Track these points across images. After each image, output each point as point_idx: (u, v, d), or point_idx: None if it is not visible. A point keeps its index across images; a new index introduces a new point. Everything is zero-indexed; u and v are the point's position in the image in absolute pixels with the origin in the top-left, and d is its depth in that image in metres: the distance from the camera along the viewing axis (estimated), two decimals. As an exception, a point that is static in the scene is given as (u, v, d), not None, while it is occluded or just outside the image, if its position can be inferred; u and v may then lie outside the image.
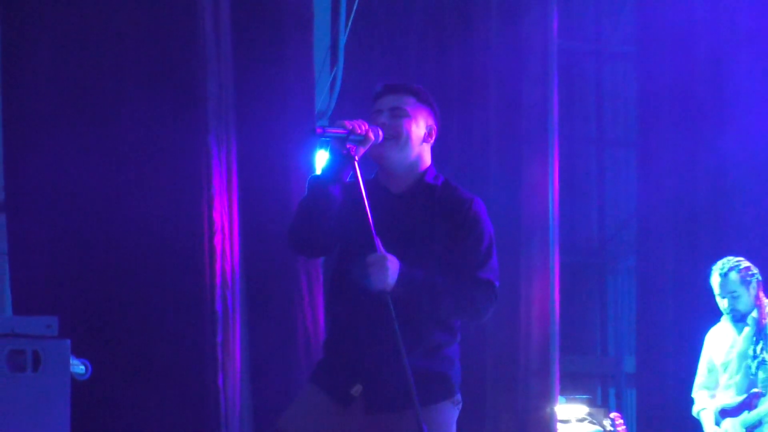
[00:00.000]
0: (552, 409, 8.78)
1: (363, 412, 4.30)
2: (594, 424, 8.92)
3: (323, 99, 8.75)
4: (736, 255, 7.15)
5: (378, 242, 4.16)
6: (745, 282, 6.99)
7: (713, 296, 7.12)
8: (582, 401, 9.45)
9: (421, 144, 4.43)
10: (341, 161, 4.25)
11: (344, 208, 4.30)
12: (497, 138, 8.97)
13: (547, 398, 8.78)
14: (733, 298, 7.01)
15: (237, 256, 6.73)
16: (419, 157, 4.43)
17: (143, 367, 6.38)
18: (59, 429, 3.53)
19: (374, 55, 9.23)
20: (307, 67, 7.46)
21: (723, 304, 7.06)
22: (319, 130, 4.23)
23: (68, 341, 3.56)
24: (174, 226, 6.48)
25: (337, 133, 4.23)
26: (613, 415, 8.03)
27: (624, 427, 7.84)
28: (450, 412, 4.40)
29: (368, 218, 4.15)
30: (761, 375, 6.90)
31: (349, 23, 8.86)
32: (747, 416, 6.91)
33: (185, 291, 6.46)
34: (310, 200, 4.31)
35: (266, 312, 7.07)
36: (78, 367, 4.93)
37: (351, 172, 4.26)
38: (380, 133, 4.31)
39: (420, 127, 4.42)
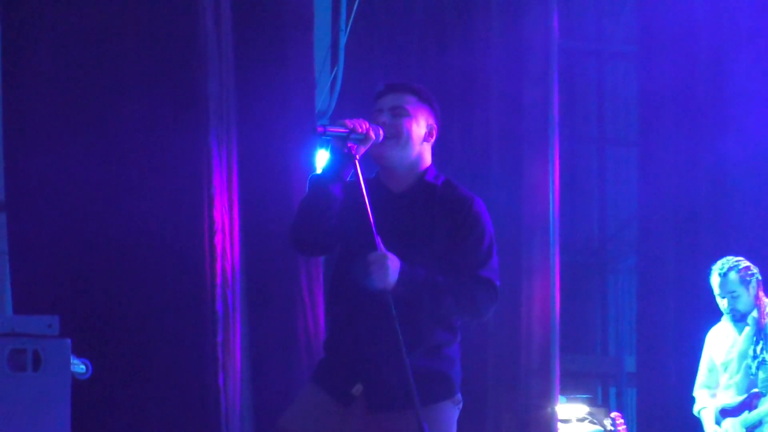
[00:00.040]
0: (553, 409, 8.78)
1: (364, 412, 4.30)
2: (594, 423, 8.92)
3: (324, 99, 8.75)
4: (737, 254, 7.15)
5: (379, 241, 4.16)
6: (744, 282, 6.99)
7: (713, 296, 7.12)
8: (582, 401, 9.45)
9: (422, 143, 4.43)
10: (342, 160, 4.26)
11: (345, 207, 4.30)
12: (498, 138, 8.98)
13: (548, 398, 8.78)
14: (733, 298, 7.01)
15: (237, 256, 6.73)
16: (420, 157, 4.43)
17: (144, 367, 6.38)
18: (60, 428, 3.53)
19: (375, 55, 9.23)
20: (307, 67, 7.46)
21: (723, 303, 7.06)
22: (320, 129, 4.24)
23: (69, 340, 3.56)
24: (174, 226, 6.48)
25: (338, 132, 4.23)
26: (613, 414, 8.03)
27: (624, 426, 7.84)
28: (450, 412, 4.40)
29: (369, 217, 4.16)
30: (761, 375, 6.91)
31: (350, 23, 8.86)
32: (747, 416, 6.91)
33: (186, 290, 6.46)
34: (311, 199, 4.31)
35: (267, 311, 7.07)
36: (79, 366, 4.94)
37: (352, 171, 4.27)
38: (381, 132, 4.31)
39: (421, 126, 4.42)
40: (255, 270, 7.03)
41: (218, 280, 6.51)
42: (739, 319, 7.03)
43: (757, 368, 6.92)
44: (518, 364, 8.82)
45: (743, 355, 7.00)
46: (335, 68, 8.83)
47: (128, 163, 6.46)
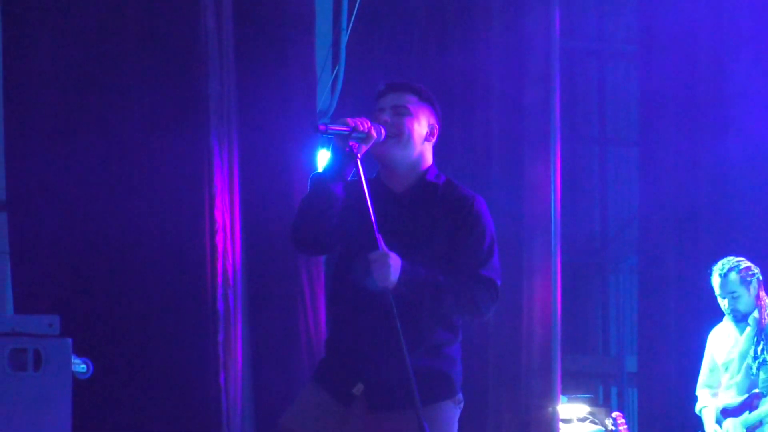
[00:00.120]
0: (554, 409, 8.78)
1: (364, 411, 4.30)
2: (596, 423, 8.92)
3: (325, 98, 8.75)
4: (738, 254, 7.15)
5: (380, 239, 4.16)
6: (745, 282, 6.99)
7: (714, 296, 7.12)
8: (584, 400, 9.45)
9: (423, 143, 4.43)
10: (343, 159, 4.25)
11: (346, 206, 4.30)
12: (498, 137, 8.97)
13: (549, 397, 8.77)
14: (734, 298, 7.01)
15: (238, 255, 6.73)
16: (421, 156, 4.43)
17: (145, 366, 6.38)
18: (61, 428, 3.53)
19: (376, 55, 9.22)
20: (308, 66, 7.46)
21: (723, 304, 7.06)
22: (321, 127, 4.23)
23: (70, 340, 3.56)
24: (175, 225, 6.49)
25: (340, 130, 4.23)
26: (614, 414, 8.03)
27: (625, 426, 7.83)
28: (451, 412, 4.40)
29: (370, 216, 4.15)
30: (762, 375, 6.91)
31: (351, 22, 8.86)
32: (748, 416, 6.91)
33: (186, 290, 6.46)
34: (313, 198, 4.31)
35: (268, 311, 7.07)
36: (79, 366, 4.93)
37: (353, 170, 4.27)
38: (382, 131, 4.31)
39: (422, 125, 4.42)
40: (256, 269, 7.03)
41: (219, 279, 6.51)
42: (740, 319, 7.03)
43: (758, 368, 6.92)
44: (519, 364, 8.80)
45: (744, 356, 7.00)
46: (336, 68, 8.83)
47: (129, 163, 6.46)
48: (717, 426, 7.03)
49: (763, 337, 6.94)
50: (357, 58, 9.05)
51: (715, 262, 7.14)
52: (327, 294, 7.01)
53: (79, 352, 4.71)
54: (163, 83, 6.52)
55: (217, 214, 6.53)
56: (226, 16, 6.78)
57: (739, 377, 7.02)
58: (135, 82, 6.50)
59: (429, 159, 4.47)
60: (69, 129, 6.46)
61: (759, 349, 6.93)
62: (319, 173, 4.35)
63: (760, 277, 7.03)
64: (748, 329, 7.01)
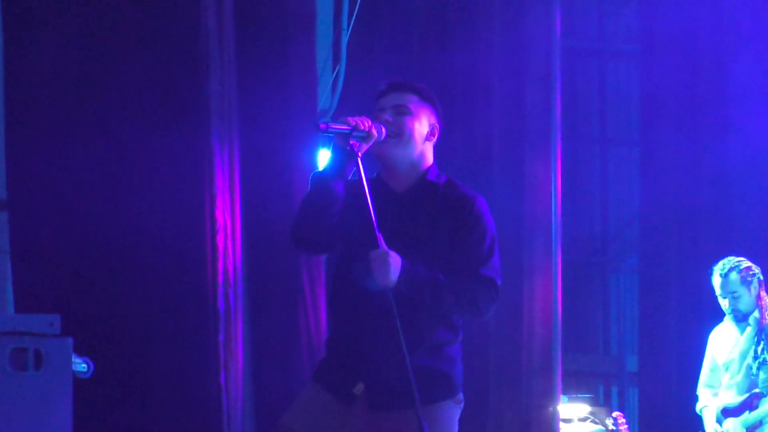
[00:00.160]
0: (554, 408, 8.77)
1: (365, 411, 4.30)
2: (596, 423, 8.92)
3: (325, 98, 8.74)
4: (738, 254, 7.15)
5: (380, 238, 4.16)
6: (745, 282, 6.99)
7: (715, 295, 7.12)
8: (584, 400, 9.45)
9: (424, 142, 4.43)
10: (344, 157, 4.26)
11: (347, 206, 4.30)
12: (499, 137, 8.96)
13: (550, 397, 8.77)
14: (734, 298, 7.01)
15: (239, 255, 6.73)
16: (422, 156, 4.43)
17: (145, 366, 6.39)
18: (61, 427, 3.53)
19: (376, 54, 9.22)
20: (309, 66, 7.46)
21: (724, 304, 7.07)
22: (322, 126, 4.23)
23: (70, 339, 3.56)
24: (176, 225, 6.49)
25: (341, 129, 4.23)
26: (615, 414, 8.03)
27: (626, 426, 7.84)
28: (452, 411, 4.40)
29: (371, 215, 4.15)
30: (762, 375, 6.91)
31: (352, 22, 8.86)
32: (748, 416, 6.91)
33: (187, 289, 6.47)
34: (313, 196, 4.31)
35: (268, 311, 7.06)
36: (80, 365, 4.95)
37: (354, 169, 4.27)
38: (383, 130, 4.31)
39: (423, 125, 4.42)
40: (257, 269, 7.03)
41: (220, 279, 6.51)
42: (740, 319, 7.04)
43: (758, 368, 6.92)
44: (520, 364, 8.80)
45: (744, 356, 7.00)
46: (337, 67, 8.82)
47: (130, 163, 6.46)
48: (717, 425, 7.03)
49: (763, 337, 6.94)
50: (357, 58, 9.04)
51: (716, 261, 7.14)
52: (327, 294, 7.01)
53: (80, 352, 4.72)
54: (163, 83, 6.53)
55: (218, 214, 6.53)
56: (226, 15, 6.78)
57: (739, 377, 7.02)
58: (135, 82, 6.50)
59: (430, 159, 4.47)
60: (70, 128, 6.46)
61: (759, 349, 6.93)
62: (320, 172, 4.35)
63: (761, 277, 7.03)
64: (749, 329, 7.01)
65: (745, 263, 7.05)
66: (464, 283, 4.28)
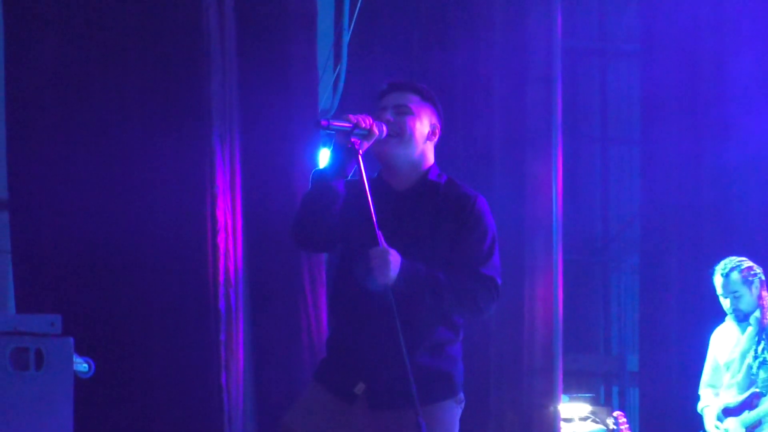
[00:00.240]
0: (555, 408, 8.77)
1: (366, 410, 4.30)
2: (597, 422, 8.92)
3: (326, 97, 8.74)
4: (739, 253, 7.16)
5: (380, 236, 4.16)
6: (747, 282, 7.00)
7: (716, 295, 7.13)
8: (585, 400, 9.45)
9: (425, 142, 4.44)
10: (345, 155, 4.26)
11: (347, 205, 4.30)
12: (500, 137, 8.96)
13: (551, 397, 8.77)
14: (735, 298, 7.02)
15: (240, 255, 6.73)
16: (423, 155, 4.44)
17: (146, 366, 6.39)
18: (62, 427, 3.53)
19: (377, 54, 9.22)
20: (310, 65, 7.45)
21: (725, 304, 7.07)
22: (323, 123, 4.24)
23: (71, 339, 3.56)
24: (177, 225, 6.49)
25: (342, 126, 4.23)
26: (616, 413, 8.04)
27: (627, 425, 7.84)
28: (453, 411, 4.41)
29: (371, 213, 4.15)
30: (762, 375, 6.91)
31: (353, 21, 8.86)
32: (747, 416, 6.92)
33: (188, 289, 6.47)
34: (314, 194, 4.31)
35: (269, 311, 7.06)
36: (81, 365, 4.94)
37: (354, 167, 4.27)
38: (384, 128, 4.31)
39: (424, 125, 4.43)
40: (258, 269, 7.03)
41: (221, 279, 6.51)
42: (742, 319, 7.04)
43: (759, 368, 6.93)
44: (521, 363, 8.80)
45: (745, 355, 7.01)
46: (338, 67, 8.83)
47: (131, 162, 6.46)
48: (717, 422, 7.04)
49: (764, 336, 6.94)
50: (358, 58, 9.04)
51: (716, 261, 7.15)
52: (328, 293, 7.01)
53: (81, 352, 4.71)
54: (164, 83, 6.53)
55: (219, 214, 6.53)
56: (227, 15, 6.78)
57: (739, 376, 7.03)
58: (137, 82, 6.50)
59: (430, 158, 4.47)
60: (71, 128, 6.46)
61: (760, 348, 6.94)
62: (321, 169, 4.36)
63: (763, 277, 7.04)
64: (750, 329, 7.02)
65: (747, 263, 7.05)
66: (464, 282, 4.28)
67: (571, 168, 10.18)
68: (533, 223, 8.91)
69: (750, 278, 7.00)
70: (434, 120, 4.47)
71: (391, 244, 4.17)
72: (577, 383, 10.48)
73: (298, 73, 7.30)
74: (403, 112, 4.40)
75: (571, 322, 9.59)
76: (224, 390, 6.45)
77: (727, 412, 7.02)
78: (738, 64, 9.31)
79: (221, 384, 6.44)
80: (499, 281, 4.36)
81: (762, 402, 6.89)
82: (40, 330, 3.52)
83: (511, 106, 8.99)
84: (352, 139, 4.23)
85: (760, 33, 9.34)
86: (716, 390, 7.17)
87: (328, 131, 4.26)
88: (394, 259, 4.15)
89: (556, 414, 8.78)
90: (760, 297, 6.99)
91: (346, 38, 8.84)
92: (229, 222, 6.62)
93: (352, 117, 4.24)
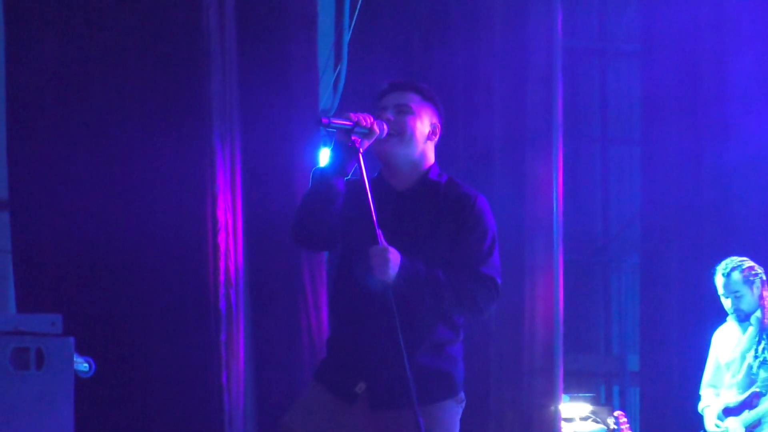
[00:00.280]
0: (556, 408, 8.77)
1: (366, 410, 4.30)
2: (598, 422, 8.92)
3: (327, 97, 8.74)
4: (740, 253, 7.17)
5: (380, 234, 4.16)
6: (748, 282, 7.00)
7: (717, 295, 7.13)
8: (586, 399, 9.44)
9: (426, 142, 4.44)
10: (346, 153, 4.26)
11: (347, 205, 4.30)
12: (501, 137, 8.96)
13: (551, 396, 8.76)
14: (737, 297, 7.02)
15: (241, 255, 6.73)
16: (423, 155, 4.44)
17: (147, 366, 6.39)
18: (63, 427, 3.53)
19: (378, 54, 9.21)
20: (311, 65, 7.45)
21: (727, 303, 7.08)
22: (324, 121, 4.24)
23: (72, 339, 3.56)
24: (178, 224, 6.49)
25: (342, 124, 4.23)
26: (616, 413, 8.03)
27: (628, 425, 7.84)
28: (453, 411, 4.41)
29: (371, 212, 4.15)
30: (762, 374, 6.91)
31: (353, 21, 8.85)
32: (747, 415, 6.92)
33: (189, 289, 6.47)
34: (314, 192, 4.31)
35: (270, 310, 7.06)
36: (82, 365, 4.95)
37: (355, 165, 4.27)
38: (385, 127, 4.31)
39: (424, 124, 4.43)
40: (258, 269, 7.03)
41: (221, 278, 6.51)
42: (743, 318, 7.05)
43: (759, 367, 6.93)
44: (521, 363, 8.80)
45: (745, 355, 7.01)
46: (339, 66, 8.82)
47: (131, 162, 6.46)
48: (717, 421, 7.04)
49: (764, 336, 6.94)
50: (359, 57, 9.04)
51: (716, 260, 7.15)
52: (329, 293, 7.01)
53: (82, 352, 4.72)
54: (165, 83, 6.53)
55: (220, 214, 6.53)
56: (228, 15, 6.78)
57: (740, 376, 7.03)
58: (137, 82, 6.50)
59: (431, 158, 4.47)
60: (71, 128, 6.46)
61: (760, 348, 6.94)
62: (321, 168, 4.36)
63: (764, 277, 7.04)
64: (751, 329, 7.02)
65: (748, 263, 7.06)
66: (464, 282, 4.28)
67: (571, 168, 10.18)
68: (533, 223, 8.90)
69: (751, 278, 7.00)
70: (435, 120, 4.47)
71: (392, 244, 4.17)
72: (578, 383, 10.47)
73: (299, 73, 7.29)
74: (404, 112, 4.40)
75: (571, 322, 9.58)
76: (225, 390, 6.45)
77: (728, 411, 7.02)
78: (738, 64, 9.30)
79: (222, 384, 6.44)
80: (499, 281, 4.36)
81: (762, 401, 6.89)
82: (41, 330, 3.52)
83: (512, 106, 8.98)
84: (353, 138, 4.23)
85: (760, 33, 9.34)
86: (717, 390, 7.17)
87: (328, 129, 4.27)
88: (394, 257, 4.15)
89: (556, 414, 8.77)
90: (761, 297, 7.00)
91: (347, 38, 8.84)
92: (230, 222, 6.62)
93: (352, 115, 4.24)
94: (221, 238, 6.52)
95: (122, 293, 6.38)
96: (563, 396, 8.90)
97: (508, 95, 8.98)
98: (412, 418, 4.05)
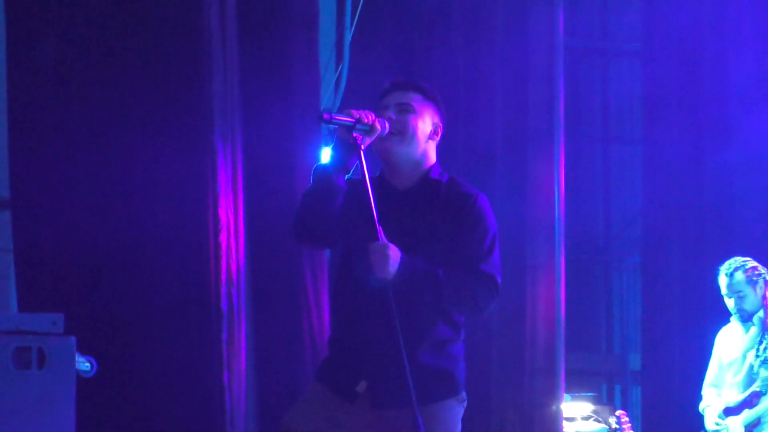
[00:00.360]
0: (557, 407, 8.77)
1: (368, 409, 4.30)
2: (599, 421, 8.92)
3: (328, 97, 8.74)
4: (741, 253, 7.17)
5: (380, 231, 4.15)
6: (751, 282, 7.00)
7: (719, 294, 7.13)
8: (587, 399, 9.45)
9: (427, 141, 4.44)
10: (347, 150, 4.25)
11: (348, 204, 4.30)
12: (502, 136, 8.96)
13: (553, 396, 8.77)
14: (740, 297, 7.02)
15: (242, 254, 6.73)
16: (425, 154, 4.44)
17: (148, 365, 6.39)
18: (65, 426, 3.53)
19: (379, 54, 9.21)
20: (312, 65, 7.45)
21: (730, 303, 7.08)
22: (326, 116, 4.23)
23: (74, 338, 3.56)
24: (179, 224, 6.49)
25: (344, 120, 4.23)
26: (618, 412, 8.03)
27: (629, 424, 7.84)
28: (455, 410, 4.40)
29: (372, 209, 4.15)
30: (763, 373, 6.91)
31: (355, 21, 8.85)
32: (747, 414, 6.92)
33: (190, 289, 6.47)
34: (315, 189, 4.31)
35: (271, 310, 7.06)
36: (83, 364, 4.95)
37: (356, 163, 4.26)
38: (387, 125, 4.31)
39: (426, 123, 4.43)
40: (259, 268, 7.03)
41: (223, 278, 6.51)
42: (746, 318, 7.05)
43: (759, 367, 6.93)
44: (523, 363, 8.80)
45: (747, 354, 7.01)
46: (340, 66, 8.82)
47: (132, 161, 6.46)
48: (718, 419, 7.04)
49: (766, 335, 6.94)
50: (360, 57, 9.04)
51: (718, 260, 7.16)
52: (330, 292, 7.01)
53: (83, 351, 4.72)
54: (166, 82, 6.53)
55: (221, 213, 6.53)
56: (229, 15, 6.78)
57: (741, 375, 7.03)
58: (138, 82, 6.50)
59: (432, 157, 4.47)
60: (72, 128, 6.46)
61: (761, 347, 6.94)
62: (322, 165, 4.35)
63: (767, 277, 7.04)
64: (753, 328, 7.02)
65: (751, 263, 7.06)
66: (464, 280, 4.28)
67: (572, 167, 10.18)
68: (535, 223, 8.91)
69: (754, 278, 7.00)
70: (436, 119, 4.47)
71: (393, 242, 4.17)
72: (579, 382, 10.48)
73: (300, 73, 7.30)
74: (406, 111, 4.40)
75: (573, 322, 9.59)
76: (226, 389, 6.45)
77: (728, 411, 7.02)
78: (738, 64, 9.30)
79: (223, 383, 6.44)
80: (499, 279, 4.36)
81: (762, 401, 6.89)
82: (42, 329, 3.52)
83: (513, 106, 8.99)
84: (354, 135, 4.23)
85: (760, 33, 9.34)
86: (719, 390, 7.17)
87: (330, 125, 4.27)
88: (394, 254, 4.15)
89: (558, 413, 8.78)
90: (764, 297, 7.00)
91: (348, 37, 8.84)
92: (231, 221, 6.62)
93: (354, 112, 4.24)
94: (223, 237, 6.52)
95: (124, 292, 6.38)
96: (565, 395, 8.90)
97: (509, 95, 8.98)
98: (412, 418, 4.05)
